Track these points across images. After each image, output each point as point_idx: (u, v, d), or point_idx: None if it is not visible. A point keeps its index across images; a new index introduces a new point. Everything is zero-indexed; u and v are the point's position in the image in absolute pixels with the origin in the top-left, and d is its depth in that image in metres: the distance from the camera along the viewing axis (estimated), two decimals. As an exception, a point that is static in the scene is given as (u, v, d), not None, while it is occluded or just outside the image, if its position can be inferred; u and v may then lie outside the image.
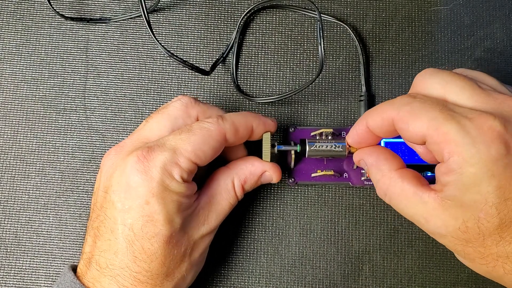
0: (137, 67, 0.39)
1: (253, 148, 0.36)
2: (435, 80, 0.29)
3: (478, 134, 0.25)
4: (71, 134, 0.38)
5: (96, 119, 0.38)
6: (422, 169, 0.36)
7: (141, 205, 0.29)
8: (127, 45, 0.40)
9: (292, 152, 0.35)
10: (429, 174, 0.36)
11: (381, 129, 0.30)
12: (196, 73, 0.39)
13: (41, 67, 0.39)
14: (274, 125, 0.34)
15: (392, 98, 0.38)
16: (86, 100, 0.39)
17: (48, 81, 0.39)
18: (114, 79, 0.39)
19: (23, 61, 0.39)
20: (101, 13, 0.40)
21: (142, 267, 0.29)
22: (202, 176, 0.35)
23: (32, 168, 0.38)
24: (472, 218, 0.26)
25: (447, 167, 0.26)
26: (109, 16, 0.40)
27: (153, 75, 0.39)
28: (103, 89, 0.39)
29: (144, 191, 0.29)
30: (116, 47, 0.40)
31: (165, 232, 0.29)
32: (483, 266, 0.27)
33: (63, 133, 0.38)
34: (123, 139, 0.38)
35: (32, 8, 0.40)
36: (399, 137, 0.36)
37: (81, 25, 0.40)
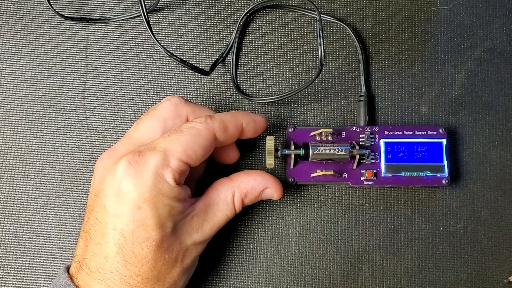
0: (137, 67, 0.39)
1: (253, 150, 0.37)
2: None
3: None
4: (71, 134, 0.38)
5: (96, 119, 0.38)
6: (422, 169, 0.36)
7: (132, 210, 0.29)
8: (127, 45, 0.40)
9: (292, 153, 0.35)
10: (429, 174, 0.36)
11: None
12: (196, 73, 0.39)
13: (41, 67, 0.39)
14: (265, 121, 0.34)
15: (392, 98, 0.38)
16: (85, 100, 0.39)
17: (48, 81, 0.39)
18: (113, 79, 0.39)
19: (22, 61, 0.39)
20: (101, 13, 0.40)
21: (132, 271, 0.29)
22: (198, 181, 0.35)
23: (31, 168, 0.38)
24: None
25: None
26: (108, 16, 0.40)
27: (153, 75, 0.39)
28: (102, 89, 0.39)
29: (136, 196, 0.29)
30: (115, 47, 0.40)
31: (156, 237, 0.29)
32: None
33: (62, 133, 0.38)
34: (123, 139, 0.38)
35: (31, 8, 0.40)
36: (398, 137, 0.36)
37: (80, 25, 0.40)
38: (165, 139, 0.30)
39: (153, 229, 0.29)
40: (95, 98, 0.39)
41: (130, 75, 0.39)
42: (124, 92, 0.39)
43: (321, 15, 0.39)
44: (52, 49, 0.39)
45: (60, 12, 0.40)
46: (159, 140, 0.31)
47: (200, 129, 0.31)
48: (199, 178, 0.36)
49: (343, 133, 0.37)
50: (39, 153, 0.38)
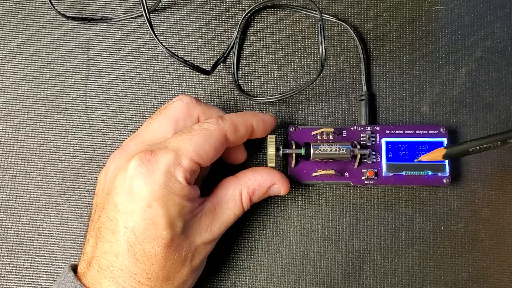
0: (139, 66, 0.39)
1: (255, 150, 0.37)
2: None
3: None
4: (73, 133, 0.38)
5: (98, 119, 0.39)
6: (423, 168, 0.36)
7: (143, 208, 0.29)
8: (129, 44, 0.40)
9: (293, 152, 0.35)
10: (430, 173, 0.36)
11: None
12: (197, 73, 0.39)
13: (43, 66, 0.39)
14: (274, 120, 0.35)
15: (393, 97, 0.39)
16: (87, 99, 0.39)
17: (50, 80, 0.39)
18: (115, 78, 0.39)
19: (24, 60, 0.39)
20: (103, 13, 0.40)
21: (142, 269, 0.29)
22: (205, 181, 0.35)
23: (33, 167, 0.38)
24: None
25: None
26: (110, 15, 0.40)
27: (155, 74, 0.39)
28: (104, 89, 0.39)
29: (147, 194, 0.29)
30: (117, 47, 0.40)
31: (166, 236, 0.29)
32: None
33: (64, 133, 0.38)
34: (125, 138, 0.38)
35: (33, 8, 0.40)
36: (399, 136, 0.36)
37: (82, 25, 0.40)
38: (177, 138, 0.31)
39: (163, 228, 0.29)
40: (97, 97, 0.39)
41: (132, 75, 0.39)
42: (126, 91, 0.39)
43: (322, 14, 0.40)
44: (54, 49, 0.40)
45: (62, 12, 0.40)
46: (171, 140, 0.31)
47: (211, 130, 0.31)
48: (205, 177, 0.36)
49: (344, 132, 0.37)
50: (41, 152, 0.38)
